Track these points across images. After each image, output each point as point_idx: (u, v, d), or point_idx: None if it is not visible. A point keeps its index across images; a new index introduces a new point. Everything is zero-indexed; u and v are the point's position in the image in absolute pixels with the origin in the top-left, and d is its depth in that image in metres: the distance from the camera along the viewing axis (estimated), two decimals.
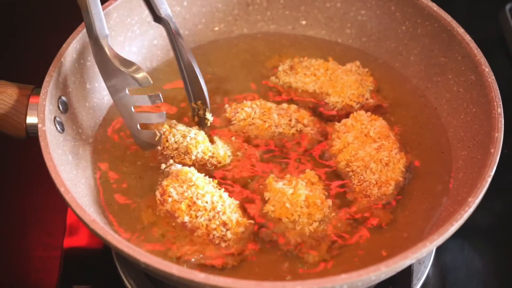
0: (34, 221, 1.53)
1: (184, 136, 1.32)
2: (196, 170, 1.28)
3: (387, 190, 1.29)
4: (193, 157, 1.32)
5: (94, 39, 1.25)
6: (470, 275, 1.42)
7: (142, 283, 1.34)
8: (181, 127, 1.35)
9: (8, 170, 1.60)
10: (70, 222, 1.45)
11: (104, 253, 1.39)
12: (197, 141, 1.32)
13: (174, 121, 1.36)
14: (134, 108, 1.28)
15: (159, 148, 1.33)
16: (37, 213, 1.54)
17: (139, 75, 1.23)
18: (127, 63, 1.25)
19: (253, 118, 1.37)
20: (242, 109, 1.38)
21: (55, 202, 1.52)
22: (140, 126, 1.30)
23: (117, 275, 1.35)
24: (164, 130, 1.33)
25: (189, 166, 1.31)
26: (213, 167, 1.32)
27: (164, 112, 1.29)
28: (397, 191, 1.29)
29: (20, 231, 1.52)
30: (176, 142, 1.32)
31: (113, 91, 1.27)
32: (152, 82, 1.24)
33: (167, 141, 1.32)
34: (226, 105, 1.41)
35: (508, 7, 1.79)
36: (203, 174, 1.28)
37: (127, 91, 1.26)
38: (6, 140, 1.52)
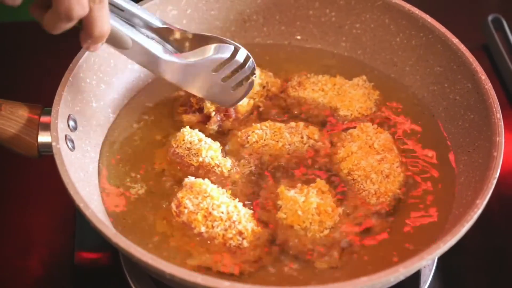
0: (38, 240, 1.53)
1: (200, 140, 1.36)
2: (210, 182, 1.30)
3: (385, 200, 1.32)
4: (200, 159, 1.34)
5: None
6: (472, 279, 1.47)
7: None
8: (200, 133, 1.38)
9: (11, 190, 1.60)
10: (78, 240, 1.47)
11: (113, 268, 1.41)
12: (210, 146, 1.35)
13: (196, 130, 1.38)
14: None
15: (173, 145, 1.36)
16: (41, 232, 1.54)
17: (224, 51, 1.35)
18: (198, 52, 1.37)
19: (265, 140, 1.39)
20: (253, 132, 1.40)
21: (60, 221, 1.54)
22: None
23: None
24: (185, 131, 1.36)
25: (194, 168, 1.34)
26: (215, 177, 1.34)
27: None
28: (394, 202, 1.33)
29: (25, 250, 1.52)
30: (191, 142, 1.35)
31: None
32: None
33: (183, 140, 1.35)
34: (238, 133, 1.42)
35: (490, 18, 1.85)
36: (216, 185, 1.31)
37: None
38: (9, 160, 1.53)
